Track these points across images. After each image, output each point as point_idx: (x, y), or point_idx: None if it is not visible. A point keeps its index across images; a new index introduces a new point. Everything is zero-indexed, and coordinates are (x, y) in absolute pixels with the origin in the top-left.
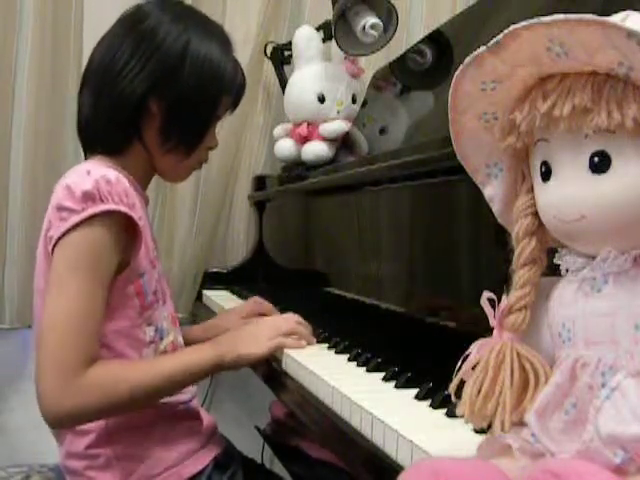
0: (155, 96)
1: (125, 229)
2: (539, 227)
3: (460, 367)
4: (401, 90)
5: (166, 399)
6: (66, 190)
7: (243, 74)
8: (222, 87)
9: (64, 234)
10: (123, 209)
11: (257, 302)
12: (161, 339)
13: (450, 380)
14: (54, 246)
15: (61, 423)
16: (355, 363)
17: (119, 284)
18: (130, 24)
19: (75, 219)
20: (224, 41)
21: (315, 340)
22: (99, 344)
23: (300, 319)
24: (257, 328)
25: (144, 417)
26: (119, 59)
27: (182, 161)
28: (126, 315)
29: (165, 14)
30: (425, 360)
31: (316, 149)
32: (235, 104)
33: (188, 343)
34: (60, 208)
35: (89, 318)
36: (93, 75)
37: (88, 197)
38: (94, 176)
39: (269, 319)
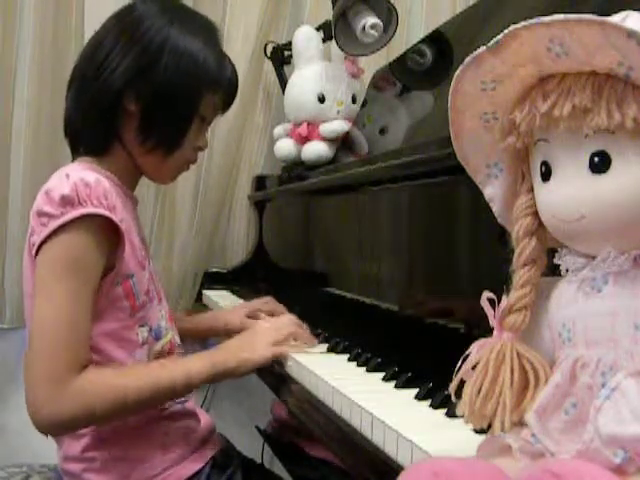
0: (132, 92)
1: (107, 231)
2: (539, 227)
3: (460, 367)
4: (401, 90)
5: None
6: (45, 195)
7: (234, 72)
8: (203, 83)
9: (45, 240)
10: (102, 212)
11: (267, 302)
12: (157, 339)
13: (450, 380)
14: (37, 252)
15: (53, 431)
16: (355, 363)
17: (105, 286)
18: (116, 18)
19: (55, 224)
20: (210, 37)
21: (316, 342)
22: (89, 348)
23: (298, 321)
24: (256, 334)
25: (140, 419)
26: (100, 54)
27: (164, 161)
28: (115, 317)
29: (152, 8)
30: (425, 360)
31: (316, 149)
32: (226, 103)
33: (182, 334)
34: (40, 214)
35: (76, 323)
36: (78, 72)
37: (67, 201)
38: (72, 179)
39: (267, 324)
